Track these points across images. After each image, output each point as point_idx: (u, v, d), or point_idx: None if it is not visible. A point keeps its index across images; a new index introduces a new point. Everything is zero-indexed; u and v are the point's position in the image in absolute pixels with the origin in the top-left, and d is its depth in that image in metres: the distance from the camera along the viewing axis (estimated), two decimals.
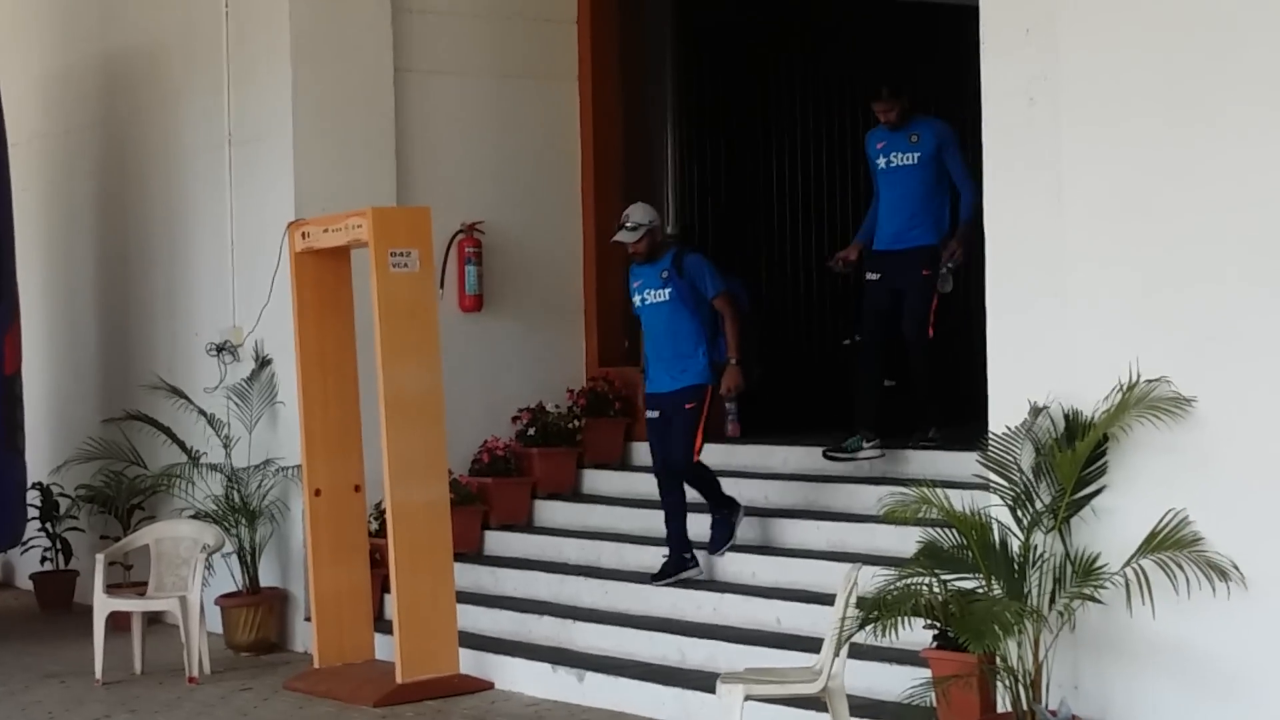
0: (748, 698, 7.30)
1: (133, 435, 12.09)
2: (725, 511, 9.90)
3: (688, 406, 9.78)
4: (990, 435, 7.36)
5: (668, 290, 9.89)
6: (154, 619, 10.86)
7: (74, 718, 9.20)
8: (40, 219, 13.45)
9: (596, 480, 11.63)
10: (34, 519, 12.35)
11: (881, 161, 10.25)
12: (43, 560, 12.94)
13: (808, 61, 13.13)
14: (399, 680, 9.36)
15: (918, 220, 10.08)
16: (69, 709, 9.41)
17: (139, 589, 10.82)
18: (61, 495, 12.78)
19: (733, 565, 9.82)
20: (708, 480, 9.94)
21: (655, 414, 9.97)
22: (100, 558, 10.40)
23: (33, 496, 12.31)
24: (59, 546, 12.85)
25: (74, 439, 12.71)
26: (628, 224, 10.03)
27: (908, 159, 10.11)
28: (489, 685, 9.53)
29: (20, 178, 12.05)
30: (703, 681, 8.43)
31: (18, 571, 13.80)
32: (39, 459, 12.55)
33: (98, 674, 10.01)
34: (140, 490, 12.05)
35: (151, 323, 12.56)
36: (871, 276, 10.25)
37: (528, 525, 11.39)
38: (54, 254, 13.57)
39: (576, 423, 11.68)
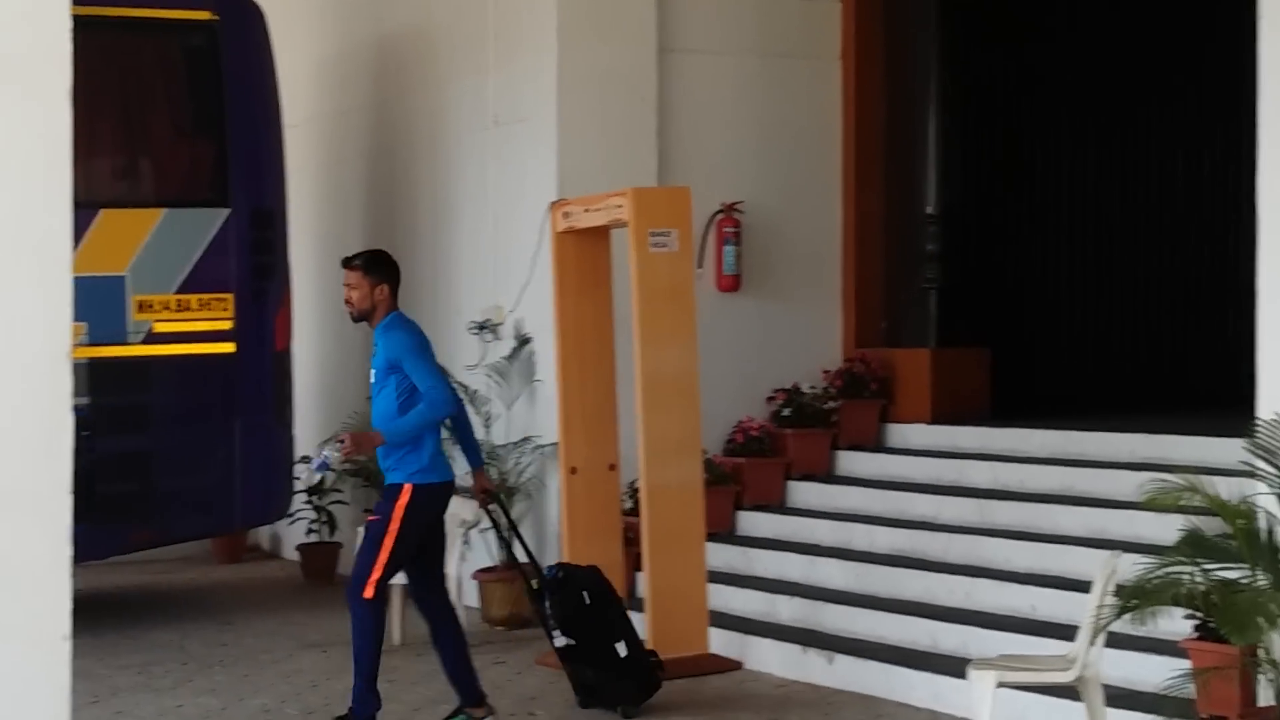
0: (1000, 684, 7.20)
1: None
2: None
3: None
4: (1258, 421, 7.15)
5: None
6: None
7: (335, 686, 9.41)
8: (312, 199, 13.80)
9: (850, 462, 11.57)
10: (300, 492, 12.68)
11: None
12: (308, 532, 13.28)
13: (1077, 38, 12.88)
14: None
15: None
16: (330, 677, 9.64)
17: None
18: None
19: (986, 550, 9.69)
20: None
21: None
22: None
23: (299, 469, 12.63)
24: (324, 519, 13.17)
25: (340, 414, 13.01)
26: None
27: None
28: (738, 665, 9.55)
29: (295, 159, 12.38)
30: (954, 667, 8.33)
31: (284, 543, 14.19)
32: (307, 433, 12.87)
33: None
34: None
35: (415, 301, 12.76)
36: None
37: (780, 506, 11.37)
38: (325, 234, 13.90)
39: (832, 404, 11.62)
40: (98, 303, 10.75)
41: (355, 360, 13.53)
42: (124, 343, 11.14)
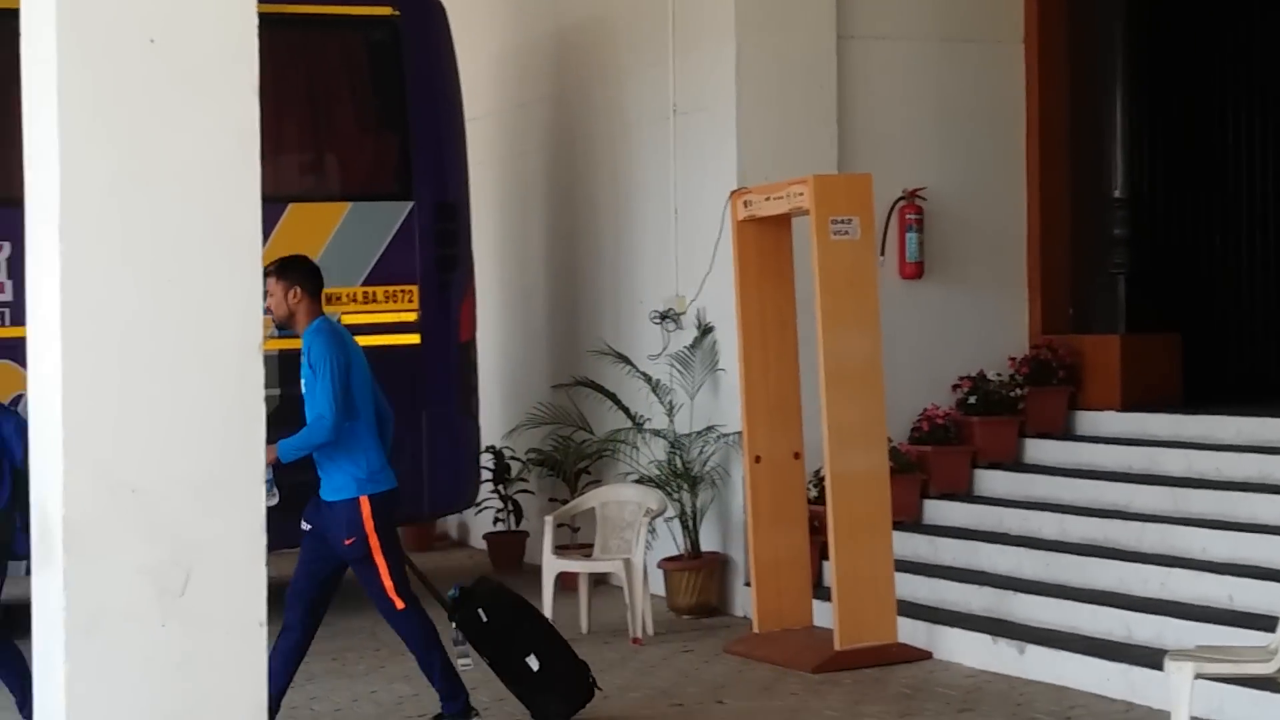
0: (1198, 676, 7.04)
1: (580, 401, 12.41)
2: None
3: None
4: None
5: None
6: (599, 580, 11.14)
7: None
8: (494, 192, 13.90)
9: (1038, 450, 11.40)
10: (487, 481, 12.80)
11: None
12: (495, 521, 13.39)
13: (1269, 17, 12.57)
14: (837, 647, 9.36)
15: None
16: None
17: (585, 550, 11.10)
18: (513, 459, 13.20)
19: (1181, 540, 9.50)
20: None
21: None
22: (549, 520, 10.69)
23: (486, 459, 12.75)
24: (510, 508, 13.27)
25: (525, 404, 13.11)
26: None
27: None
28: (927, 655, 9.46)
29: (476, 152, 12.47)
30: (1149, 658, 8.18)
31: (472, 531, 14.32)
32: (492, 423, 13.00)
33: None
34: (587, 455, 12.36)
35: (598, 291, 12.86)
36: None
37: (967, 494, 11.24)
38: (507, 225, 14.01)
39: (1018, 391, 11.48)
40: None
41: (539, 350, 13.63)
42: None
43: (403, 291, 11.57)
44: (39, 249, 4.75)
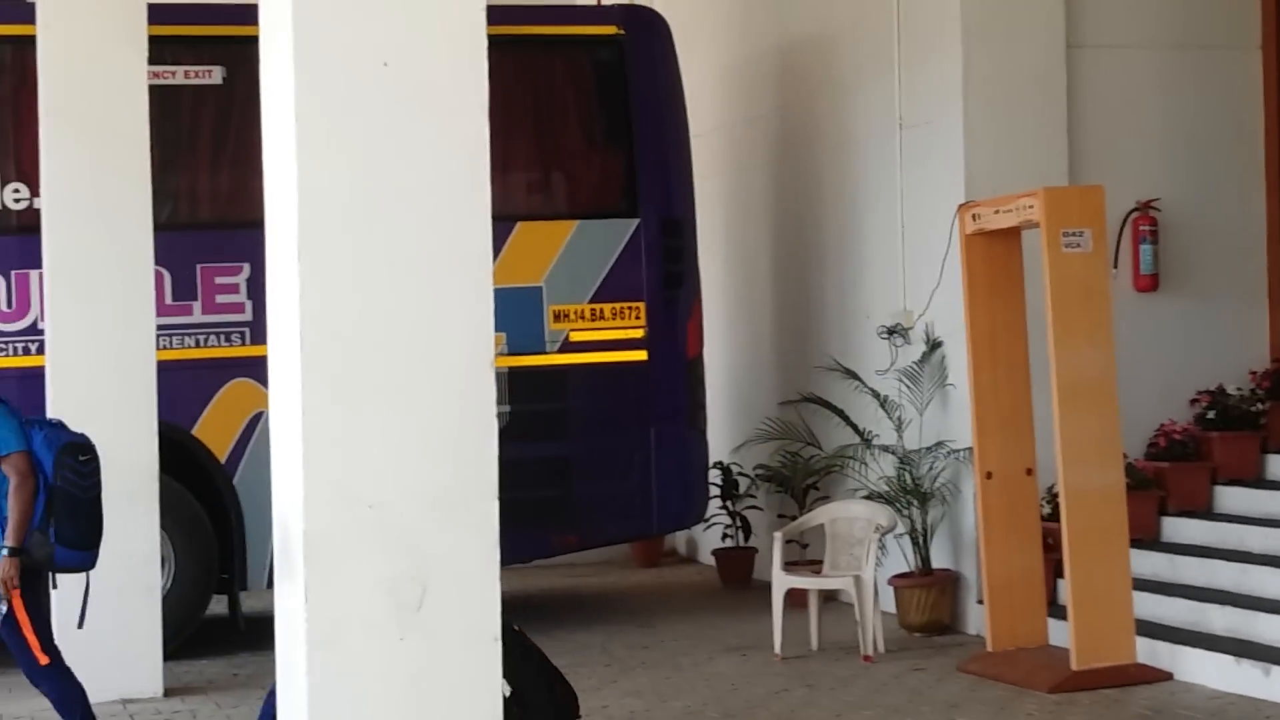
0: None
1: (808, 416, 12.36)
2: None
3: None
4: None
5: None
6: (829, 596, 11.07)
7: (754, 690, 9.46)
8: (720, 207, 13.92)
9: None
10: (715, 497, 12.80)
11: None
12: (724, 537, 13.39)
13: None
14: (1074, 667, 9.19)
15: None
16: (749, 681, 9.69)
17: (815, 567, 11.04)
18: (741, 474, 13.20)
19: None
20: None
21: None
22: (778, 536, 10.66)
23: (714, 475, 12.76)
24: (739, 524, 13.26)
25: (752, 420, 13.10)
26: None
27: None
28: (1167, 676, 9.23)
29: (701, 167, 12.50)
30: None
31: (700, 547, 14.34)
32: (719, 439, 13.00)
33: (776, 649, 10.26)
34: (815, 470, 12.30)
35: (824, 306, 12.80)
36: None
37: (1207, 512, 10.95)
38: (732, 241, 14.02)
39: (1260, 406, 11.16)
40: (516, 313, 11.05)
41: (766, 366, 13.61)
42: (541, 351, 11.43)
43: (630, 308, 11.64)
44: (278, 269, 4.86)
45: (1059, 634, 9.72)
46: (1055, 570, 10.09)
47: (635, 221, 11.67)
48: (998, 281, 10.10)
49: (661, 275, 11.74)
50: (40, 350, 10.09)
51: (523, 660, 8.33)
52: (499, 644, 4.81)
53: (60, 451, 7.36)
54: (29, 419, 7.21)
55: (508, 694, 8.18)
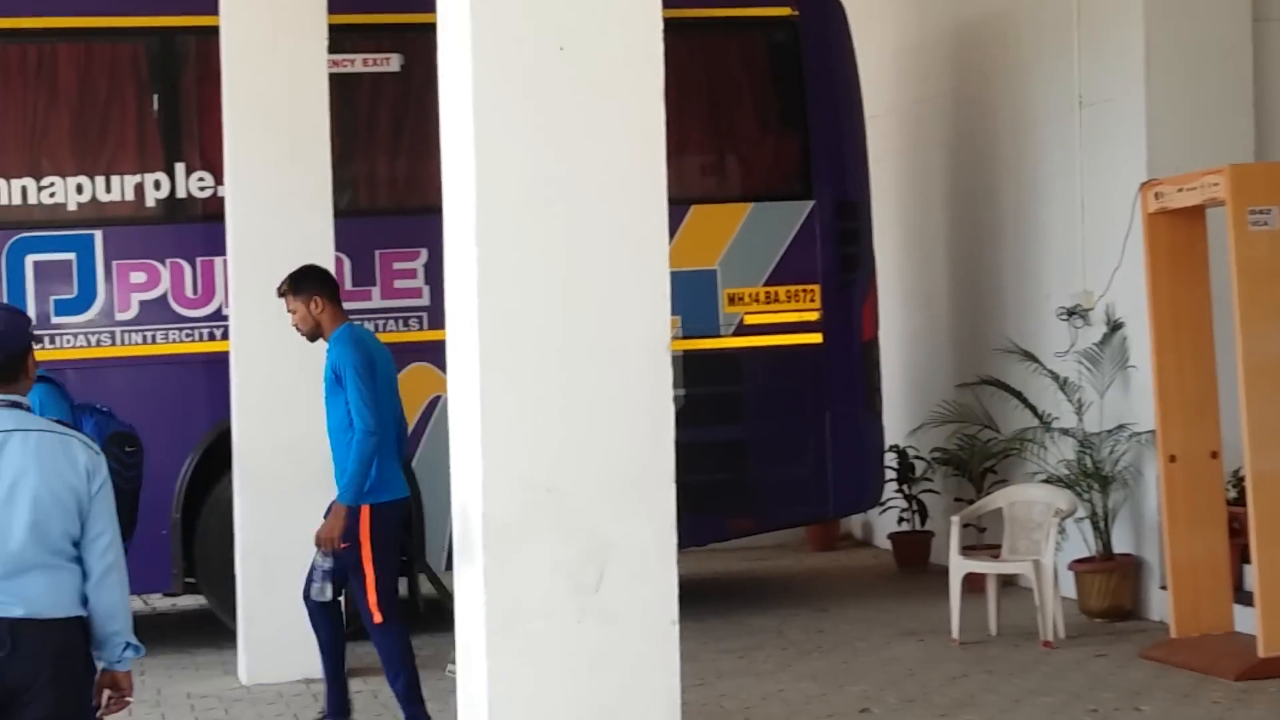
0: None
1: (985, 399, 12.23)
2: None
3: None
4: None
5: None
6: (1007, 581, 10.95)
7: (932, 675, 9.39)
8: (894, 189, 13.80)
9: None
10: (891, 480, 12.72)
11: None
12: (900, 521, 13.30)
13: None
14: (1261, 654, 9.00)
15: None
16: (927, 666, 9.61)
17: (993, 551, 10.93)
18: (917, 458, 13.10)
19: None
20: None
21: None
22: (955, 520, 10.56)
23: (890, 459, 12.67)
24: (915, 508, 13.16)
25: (928, 403, 12.98)
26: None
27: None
28: None
29: (876, 149, 12.40)
30: None
31: (876, 531, 14.26)
32: (895, 422, 12.91)
33: (954, 634, 10.17)
34: (992, 454, 12.17)
35: (1001, 288, 12.65)
36: None
37: None
38: (907, 223, 13.90)
39: None
40: (691, 296, 11.04)
41: (942, 348, 13.48)
42: (716, 335, 11.42)
43: (805, 291, 11.60)
44: (457, 255, 4.89)
45: (1245, 620, 9.52)
46: (1241, 555, 9.88)
47: (810, 204, 11.61)
48: (1181, 261, 9.91)
49: (837, 258, 11.68)
50: (224, 336, 10.28)
51: None
52: (676, 627, 4.82)
53: (107, 440, 7.50)
54: (80, 404, 7.27)
55: None
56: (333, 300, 8.20)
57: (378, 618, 7.88)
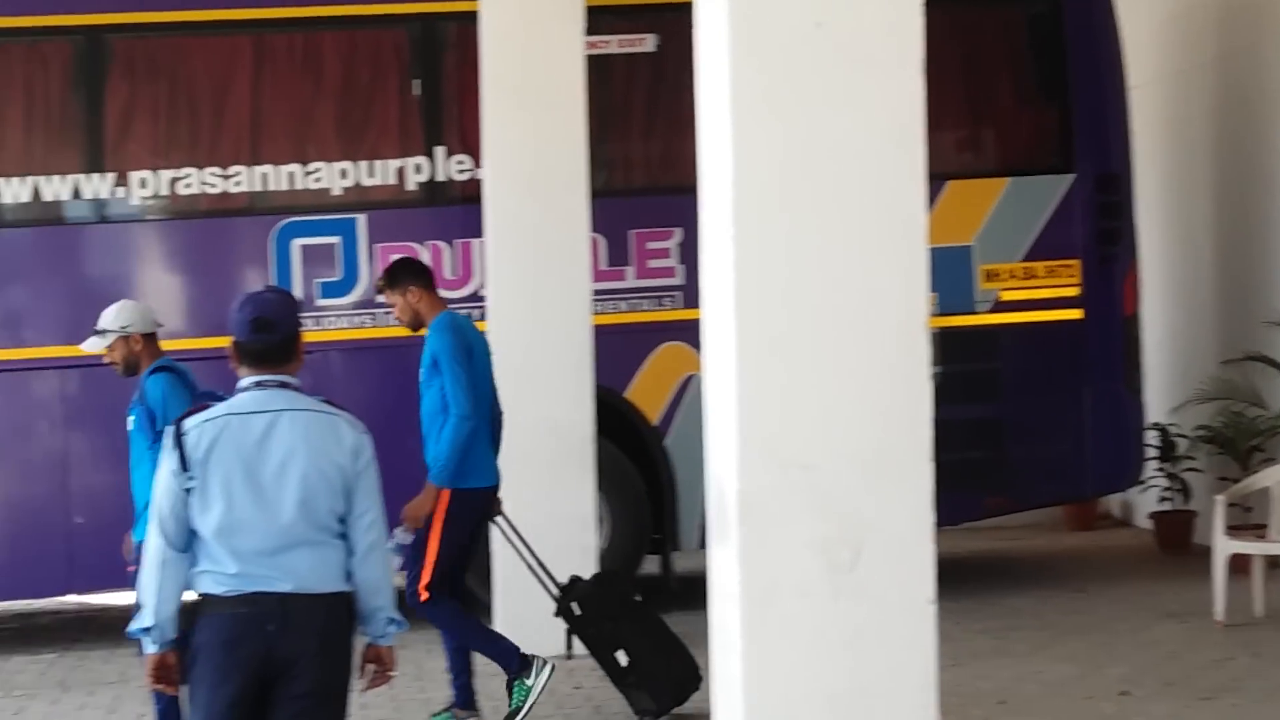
0: None
1: (1252, 375, 11.92)
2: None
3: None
4: None
5: None
6: (1274, 562, 10.66)
7: (1194, 657, 9.19)
8: (1157, 161, 13.50)
9: None
10: (1152, 459, 12.47)
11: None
12: (1161, 500, 13.03)
13: None
14: None
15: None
16: (1189, 649, 9.41)
17: (1259, 531, 10.64)
18: (1179, 436, 12.81)
19: None
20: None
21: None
22: (1220, 499, 10.32)
23: (1151, 437, 12.42)
24: (1177, 486, 12.89)
25: (1191, 380, 12.69)
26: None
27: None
28: None
29: (1138, 121, 12.14)
30: None
31: (1136, 510, 13.98)
32: (1157, 400, 12.64)
33: (1218, 615, 9.93)
34: (1260, 432, 11.86)
35: (1271, 261, 12.30)
36: None
37: None
38: (1170, 195, 13.59)
39: None
40: (946, 273, 10.92)
41: (1205, 324, 13.16)
42: (972, 312, 11.31)
43: (1064, 266, 11.44)
44: (713, 233, 4.91)
45: None
46: None
47: (1071, 178, 11.43)
48: None
49: (1098, 232, 11.49)
50: (482, 317, 10.44)
51: (641, 633, 8.38)
52: (934, 607, 4.79)
53: None
54: (204, 391, 7.34)
55: (625, 663, 8.30)
56: (428, 289, 8.35)
57: (424, 597, 8.08)
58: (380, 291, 8.56)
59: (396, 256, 8.64)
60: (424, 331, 8.34)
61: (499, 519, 8.62)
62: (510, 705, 8.19)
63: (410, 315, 8.30)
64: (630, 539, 10.90)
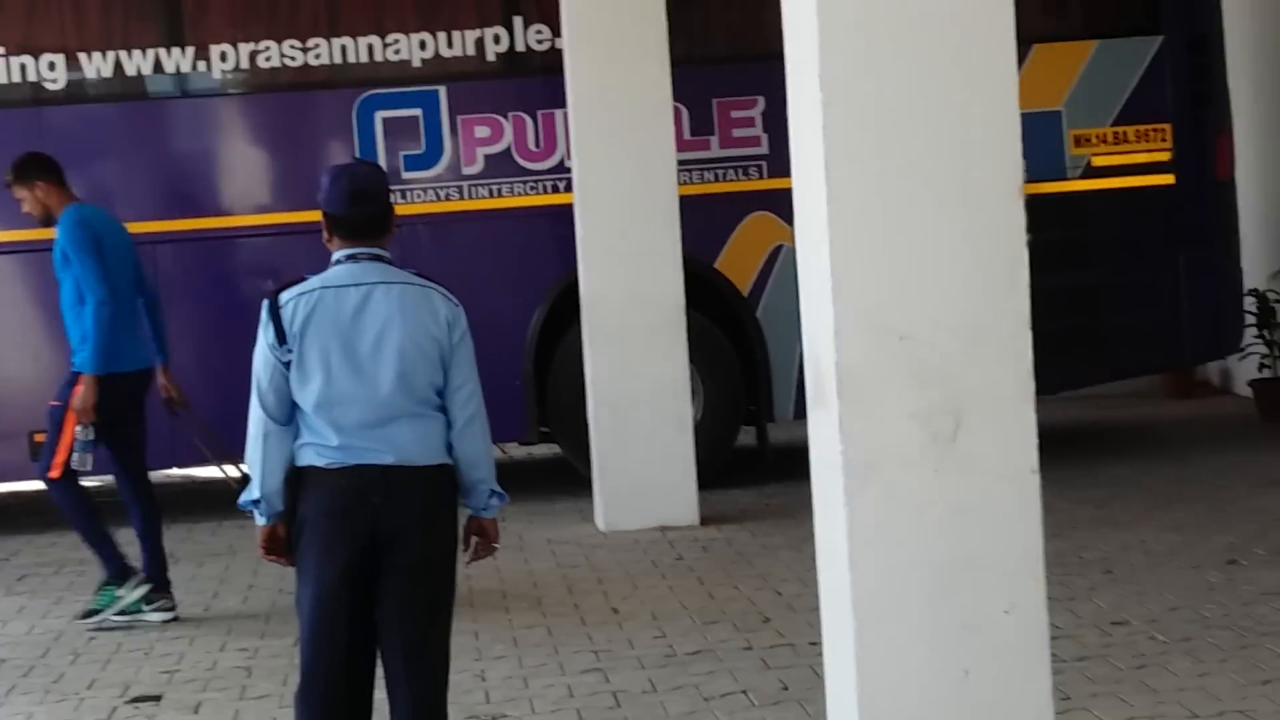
0: None
1: None
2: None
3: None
4: None
5: None
6: None
7: None
8: (1248, 21, 13.19)
9: None
10: (1250, 326, 12.28)
11: None
12: (1260, 368, 12.84)
13: None
14: None
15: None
16: None
17: None
18: (1278, 302, 12.61)
19: None
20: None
21: None
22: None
23: (1249, 303, 12.22)
24: (1277, 353, 12.70)
25: None
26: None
27: None
28: None
29: None
30: None
31: (1235, 378, 13.79)
32: (1254, 265, 12.43)
33: None
34: None
35: None
36: None
37: None
38: (1263, 56, 13.29)
39: None
40: (1035, 139, 10.69)
41: None
42: (1062, 178, 11.12)
43: (1155, 130, 11.22)
44: (800, 99, 4.78)
45: None
46: None
47: (1159, 39, 11.18)
48: None
49: (1188, 94, 11.26)
50: (568, 188, 10.35)
51: None
52: (1037, 476, 4.69)
53: None
54: None
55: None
56: (57, 184, 8.34)
57: (55, 474, 8.16)
58: (8, 186, 8.48)
59: (27, 152, 8.53)
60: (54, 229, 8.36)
61: (171, 405, 8.60)
62: (92, 605, 8.32)
63: (40, 209, 8.34)
64: (725, 411, 10.84)
